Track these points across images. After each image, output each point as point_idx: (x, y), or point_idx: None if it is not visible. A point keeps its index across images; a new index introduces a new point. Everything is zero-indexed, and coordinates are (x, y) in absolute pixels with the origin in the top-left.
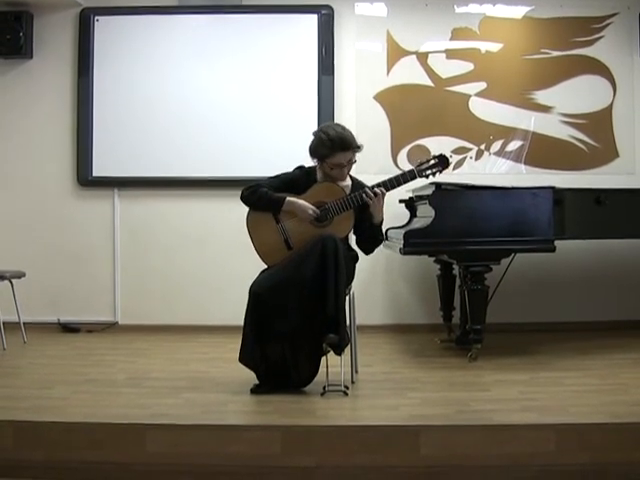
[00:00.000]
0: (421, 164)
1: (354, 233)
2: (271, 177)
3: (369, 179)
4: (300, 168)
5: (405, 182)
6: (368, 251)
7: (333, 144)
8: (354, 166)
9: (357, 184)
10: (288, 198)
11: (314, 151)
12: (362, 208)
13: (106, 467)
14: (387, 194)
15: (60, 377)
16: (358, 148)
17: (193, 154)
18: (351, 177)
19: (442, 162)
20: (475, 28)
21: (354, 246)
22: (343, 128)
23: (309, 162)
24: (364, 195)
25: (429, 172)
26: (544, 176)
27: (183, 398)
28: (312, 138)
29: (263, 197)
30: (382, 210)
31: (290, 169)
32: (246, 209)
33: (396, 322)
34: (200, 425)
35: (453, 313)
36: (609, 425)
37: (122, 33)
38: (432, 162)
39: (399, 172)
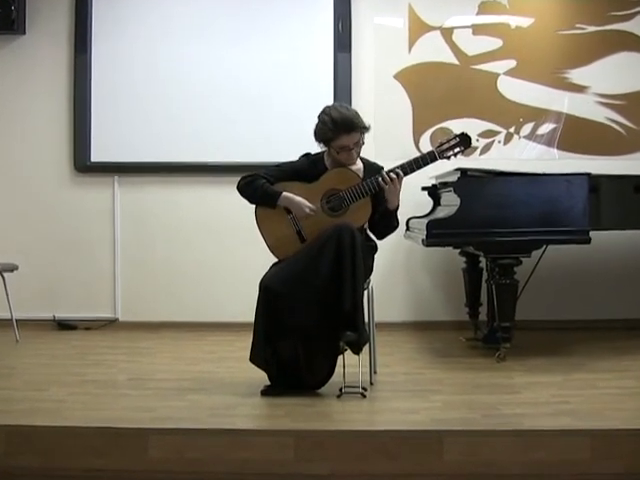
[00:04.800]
0: (441, 144)
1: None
2: (274, 166)
3: (389, 165)
4: (306, 156)
5: (425, 165)
6: (381, 237)
7: (336, 126)
8: (372, 150)
9: (370, 167)
10: (284, 193)
11: (318, 134)
12: (378, 193)
13: (106, 474)
14: (408, 180)
15: (56, 378)
16: (365, 129)
17: (200, 138)
18: (362, 159)
19: (464, 141)
20: (504, 1)
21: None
22: (347, 108)
23: (318, 148)
24: (380, 179)
25: (450, 153)
26: (578, 161)
27: (189, 400)
28: (316, 121)
29: (258, 190)
30: (398, 195)
31: (303, 153)
32: None
33: (418, 319)
34: (207, 429)
35: (480, 309)
36: None
37: (123, 6)
38: (453, 142)
39: (418, 154)
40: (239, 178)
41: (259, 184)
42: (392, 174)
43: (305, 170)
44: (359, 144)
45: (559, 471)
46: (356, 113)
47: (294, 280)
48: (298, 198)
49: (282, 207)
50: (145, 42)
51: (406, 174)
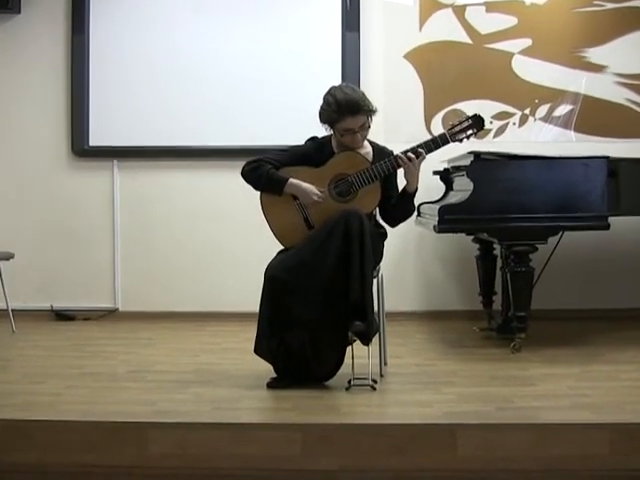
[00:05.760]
0: (453, 127)
1: (378, 205)
2: (280, 150)
3: (399, 147)
4: (312, 139)
5: (436, 148)
6: (394, 224)
7: (340, 108)
8: (382, 133)
9: (379, 151)
10: (291, 180)
11: (322, 116)
12: (388, 178)
13: (104, 471)
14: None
15: (53, 370)
16: (371, 111)
17: (202, 121)
18: (371, 143)
19: (477, 123)
20: None
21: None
22: (354, 89)
23: (324, 132)
24: (395, 162)
25: (463, 135)
26: (596, 144)
27: (191, 393)
28: (321, 102)
29: (263, 176)
30: (418, 177)
31: (309, 137)
32: None
33: (430, 308)
34: (210, 424)
35: (494, 298)
36: None
37: None
38: (465, 124)
39: (429, 137)
40: (243, 163)
41: (264, 170)
42: (410, 154)
43: (311, 154)
44: (365, 127)
45: (577, 466)
46: (362, 94)
47: (300, 268)
48: (305, 184)
49: (289, 194)
50: (145, 22)
51: (417, 158)
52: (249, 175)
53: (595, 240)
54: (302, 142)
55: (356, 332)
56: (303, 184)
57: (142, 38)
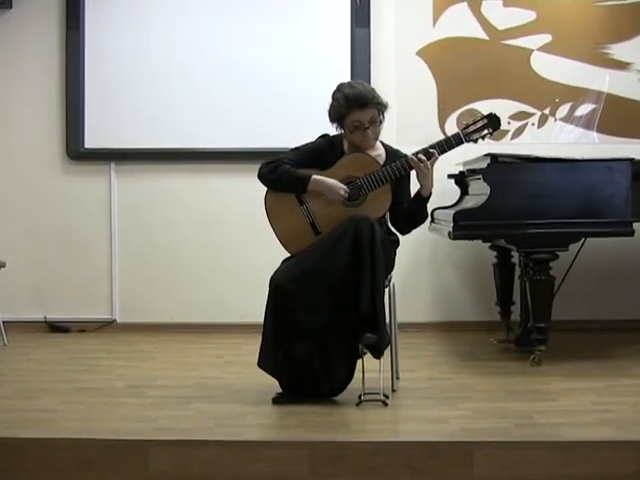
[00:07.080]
0: (467, 126)
1: (388, 210)
2: (292, 149)
3: (412, 149)
4: (324, 137)
5: (450, 148)
6: (406, 231)
7: (348, 101)
8: (394, 134)
9: (393, 154)
10: (314, 176)
11: (331, 113)
12: (400, 182)
13: None
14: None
15: (47, 385)
16: (381, 105)
17: (204, 122)
18: (384, 145)
19: (492, 122)
20: None
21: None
22: (363, 85)
23: (334, 131)
24: (406, 163)
25: (477, 135)
26: (621, 145)
27: (193, 409)
28: (330, 101)
29: (284, 175)
30: (432, 180)
31: (322, 134)
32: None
33: (444, 319)
34: (213, 441)
35: (512, 309)
36: None
37: None
38: (480, 123)
39: (442, 137)
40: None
41: (285, 169)
42: (421, 155)
43: (323, 151)
44: (375, 122)
45: None
46: (372, 89)
47: (307, 277)
48: (330, 180)
49: (294, 197)
50: (144, 17)
51: (429, 159)
52: (269, 176)
53: (618, 247)
54: (306, 143)
55: (367, 344)
56: (328, 180)
57: (140, 35)
